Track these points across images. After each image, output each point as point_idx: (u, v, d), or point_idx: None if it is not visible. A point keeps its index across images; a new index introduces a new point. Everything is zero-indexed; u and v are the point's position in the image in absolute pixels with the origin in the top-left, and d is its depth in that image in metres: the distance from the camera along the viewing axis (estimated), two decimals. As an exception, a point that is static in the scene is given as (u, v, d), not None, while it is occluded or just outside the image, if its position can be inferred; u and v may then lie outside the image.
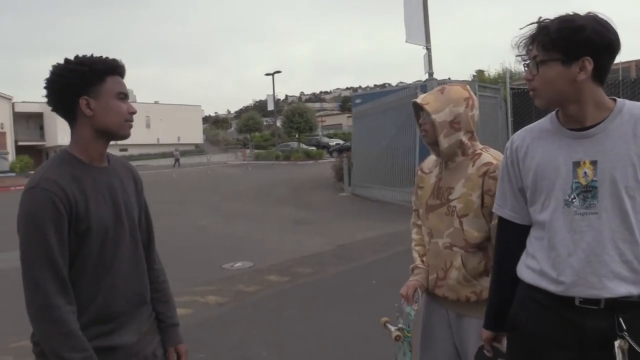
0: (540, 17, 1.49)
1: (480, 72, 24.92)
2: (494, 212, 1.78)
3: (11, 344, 4.33)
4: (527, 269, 1.59)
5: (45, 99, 1.56)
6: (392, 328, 2.07)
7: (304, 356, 4.12)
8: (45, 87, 1.55)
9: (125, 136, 1.62)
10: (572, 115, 1.49)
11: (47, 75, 1.55)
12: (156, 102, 63.41)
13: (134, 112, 1.63)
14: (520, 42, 1.52)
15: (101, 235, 1.54)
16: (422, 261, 2.19)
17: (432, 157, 2.25)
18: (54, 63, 1.56)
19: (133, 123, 1.66)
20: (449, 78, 24.52)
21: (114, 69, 1.60)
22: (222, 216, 12.73)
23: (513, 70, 16.51)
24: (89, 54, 1.59)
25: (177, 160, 43.19)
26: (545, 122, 1.59)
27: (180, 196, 17.77)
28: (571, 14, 1.45)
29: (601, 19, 1.43)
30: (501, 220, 1.72)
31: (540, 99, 1.52)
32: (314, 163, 31.99)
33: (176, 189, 20.59)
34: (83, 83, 1.53)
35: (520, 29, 1.51)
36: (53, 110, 1.60)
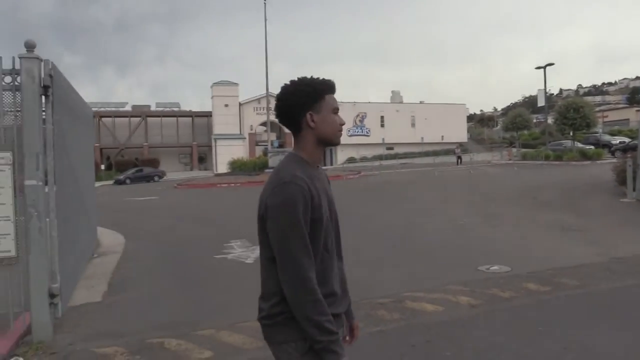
0: None
1: None
2: None
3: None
4: None
5: (276, 112, 1.89)
6: None
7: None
8: (277, 104, 1.87)
9: (338, 143, 1.92)
10: None
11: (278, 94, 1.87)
12: (421, 102, 65.14)
13: (344, 124, 1.95)
14: None
15: (324, 225, 1.82)
16: None
17: None
18: (283, 84, 1.87)
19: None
20: None
21: (331, 88, 1.88)
22: (481, 216, 12.39)
23: None
24: (308, 77, 1.87)
25: (459, 157, 43.62)
26: None
27: (442, 194, 17.95)
28: None
29: None
30: None
31: None
32: (591, 164, 28.76)
33: (438, 187, 20.89)
34: (309, 100, 1.83)
35: None
36: (281, 121, 1.91)
